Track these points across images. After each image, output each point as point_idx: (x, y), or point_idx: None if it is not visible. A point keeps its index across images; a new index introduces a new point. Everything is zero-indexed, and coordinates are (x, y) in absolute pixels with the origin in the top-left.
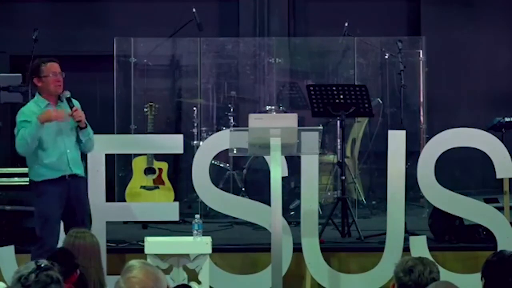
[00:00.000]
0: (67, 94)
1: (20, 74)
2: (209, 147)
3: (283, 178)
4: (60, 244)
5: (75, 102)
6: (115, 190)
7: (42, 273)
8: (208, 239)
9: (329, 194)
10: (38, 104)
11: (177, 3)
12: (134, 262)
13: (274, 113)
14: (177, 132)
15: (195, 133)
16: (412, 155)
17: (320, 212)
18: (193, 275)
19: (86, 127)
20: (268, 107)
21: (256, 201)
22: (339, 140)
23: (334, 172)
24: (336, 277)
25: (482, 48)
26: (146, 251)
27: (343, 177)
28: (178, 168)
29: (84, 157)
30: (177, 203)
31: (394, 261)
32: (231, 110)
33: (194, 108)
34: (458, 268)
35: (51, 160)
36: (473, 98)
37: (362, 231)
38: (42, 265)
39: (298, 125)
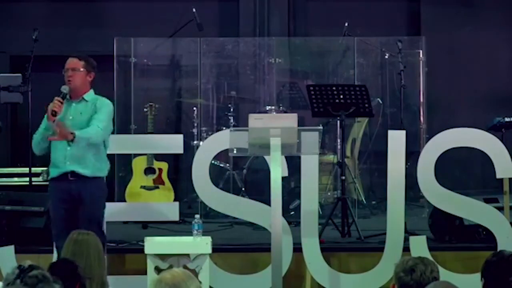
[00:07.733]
0: (63, 89)
1: (20, 74)
2: (209, 147)
3: (283, 178)
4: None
5: (101, 102)
6: (115, 190)
7: (27, 276)
8: (208, 239)
9: (329, 194)
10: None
11: (177, 3)
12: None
13: (274, 113)
14: (177, 132)
15: (195, 133)
16: (412, 155)
17: (320, 212)
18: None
19: (72, 139)
20: (268, 107)
21: (256, 201)
22: (339, 140)
23: (334, 172)
24: (336, 277)
25: (482, 48)
26: (146, 251)
27: (343, 177)
28: (178, 168)
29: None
30: (177, 203)
31: (394, 261)
32: (231, 110)
33: (194, 108)
34: (458, 268)
35: (53, 156)
36: (473, 98)
37: (362, 231)
38: (25, 267)
39: (298, 125)
